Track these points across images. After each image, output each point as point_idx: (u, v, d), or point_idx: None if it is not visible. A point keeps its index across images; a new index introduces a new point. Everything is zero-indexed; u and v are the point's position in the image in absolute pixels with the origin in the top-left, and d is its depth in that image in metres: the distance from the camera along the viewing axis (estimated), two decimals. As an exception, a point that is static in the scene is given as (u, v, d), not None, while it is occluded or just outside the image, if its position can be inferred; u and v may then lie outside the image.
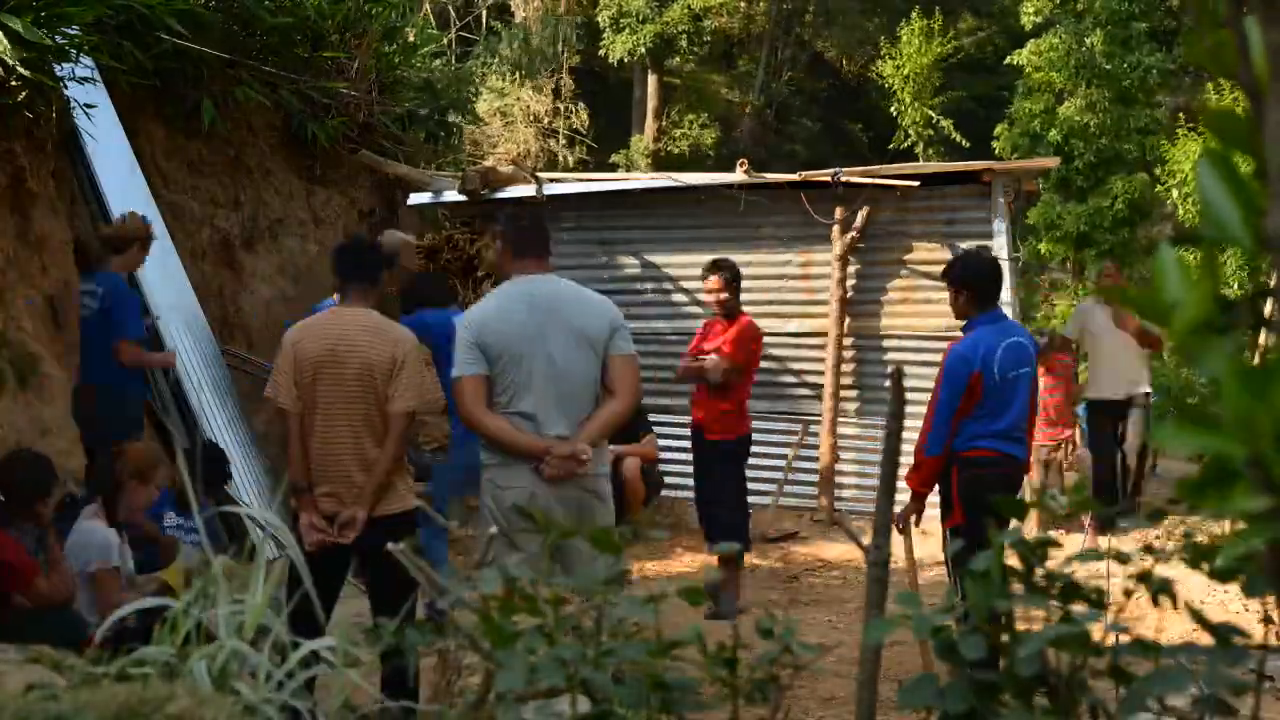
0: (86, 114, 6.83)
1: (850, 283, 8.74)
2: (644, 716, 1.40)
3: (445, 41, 16.31)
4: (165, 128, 8.41)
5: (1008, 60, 18.67)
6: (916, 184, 8.43)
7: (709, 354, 6.76)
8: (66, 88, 6.66)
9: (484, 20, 20.44)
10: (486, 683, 1.51)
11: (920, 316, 8.65)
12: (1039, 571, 1.34)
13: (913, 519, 5.21)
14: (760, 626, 1.54)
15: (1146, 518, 1.73)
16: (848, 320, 8.72)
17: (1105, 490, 8.35)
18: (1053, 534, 2.29)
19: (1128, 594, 1.42)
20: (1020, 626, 1.31)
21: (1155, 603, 1.37)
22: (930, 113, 21.41)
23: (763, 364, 8.84)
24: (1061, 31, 16.96)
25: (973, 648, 1.29)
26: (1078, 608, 1.32)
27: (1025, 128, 16.82)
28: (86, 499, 5.72)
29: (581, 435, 4.10)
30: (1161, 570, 1.38)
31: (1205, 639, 1.30)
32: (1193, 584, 5.63)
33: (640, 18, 20.98)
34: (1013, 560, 1.35)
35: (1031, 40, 17.94)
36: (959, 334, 5.29)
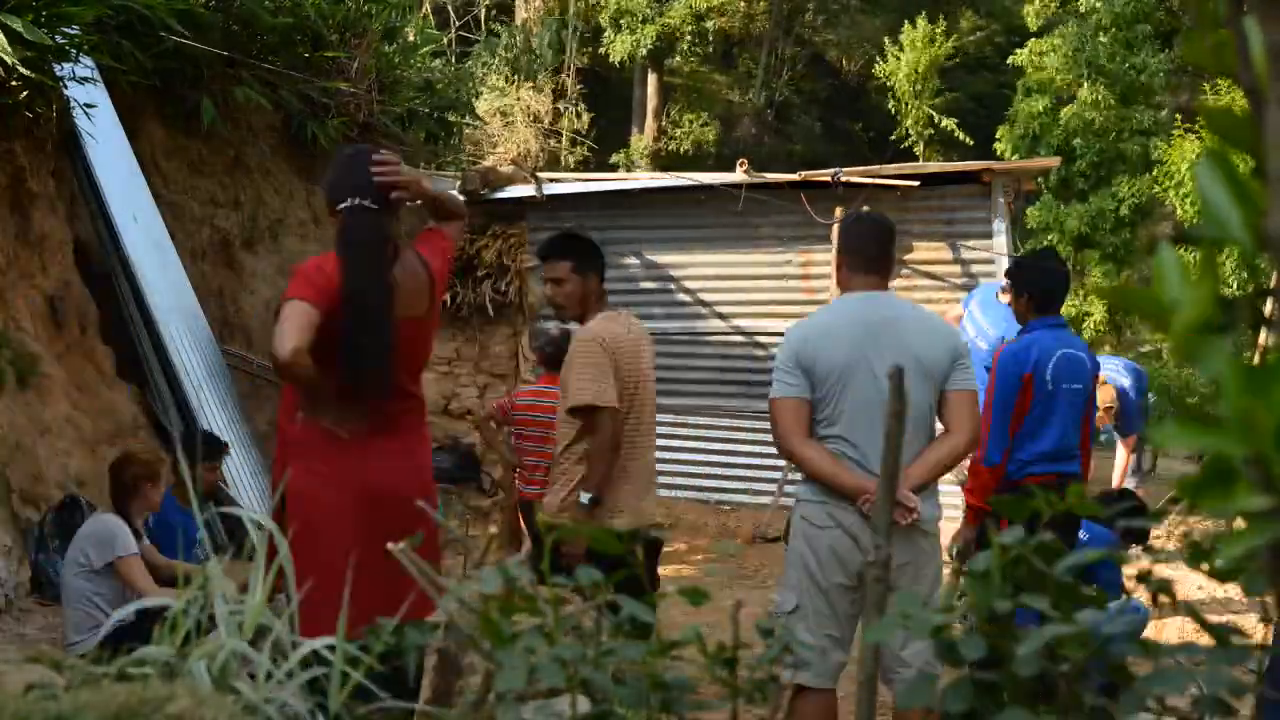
0: (86, 114, 6.83)
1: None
2: (644, 716, 1.40)
3: (445, 41, 16.30)
4: (165, 128, 8.41)
5: (1009, 60, 18.68)
6: (916, 184, 8.44)
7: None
8: (66, 88, 6.66)
9: (483, 20, 20.44)
10: (486, 683, 1.51)
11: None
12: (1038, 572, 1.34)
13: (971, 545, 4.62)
14: (760, 627, 1.54)
15: (1146, 518, 1.73)
16: (848, 320, 8.72)
17: None
18: None
19: (1127, 594, 1.42)
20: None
21: (1155, 603, 1.37)
22: (931, 112, 21.41)
23: (763, 364, 8.87)
24: (1064, 32, 16.97)
25: (973, 648, 1.29)
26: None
27: (1026, 128, 16.82)
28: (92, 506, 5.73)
29: (910, 476, 3.59)
30: (1161, 570, 1.38)
31: (1205, 639, 1.30)
32: (1189, 582, 5.60)
33: (641, 18, 20.98)
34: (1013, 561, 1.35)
35: (1033, 40, 17.94)
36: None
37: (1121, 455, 8.63)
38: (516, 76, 19.32)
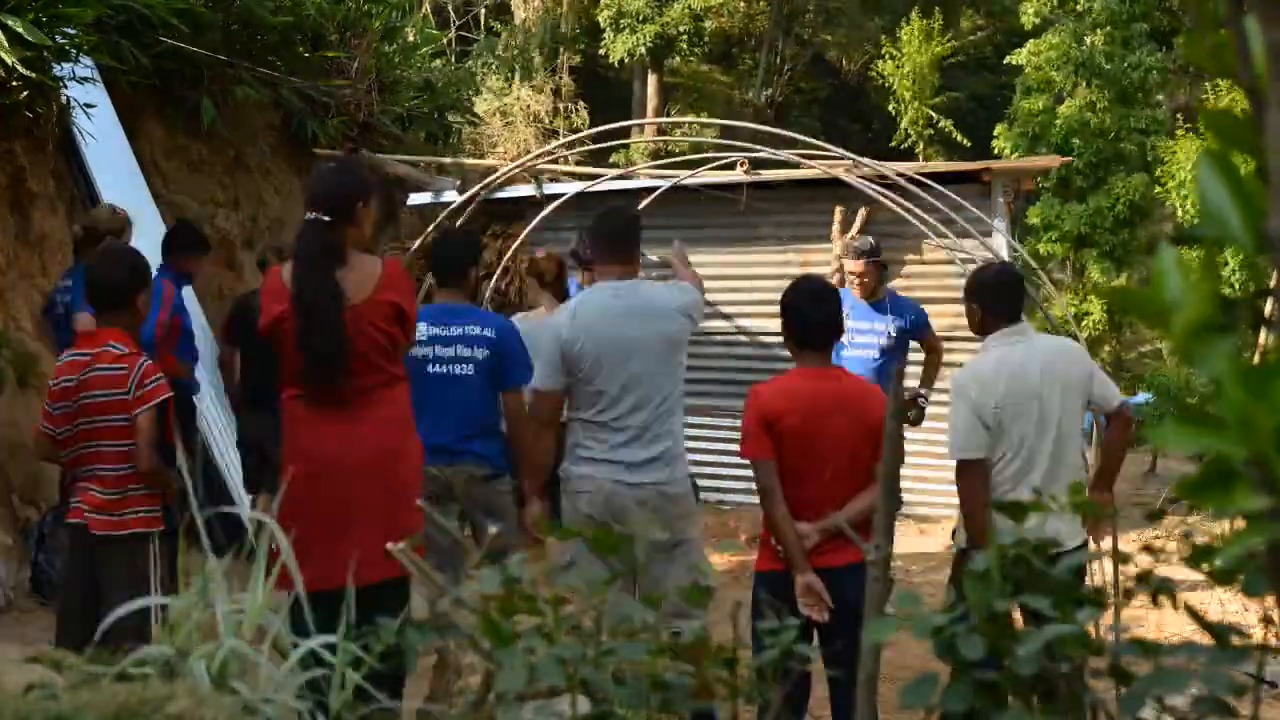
0: (86, 114, 6.83)
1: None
2: (644, 716, 1.40)
3: (445, 41, 16.31)
4: (165, 128, 8.41)
5: (1008, 59, 18.68)
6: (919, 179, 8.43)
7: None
8: (66, 88, 6.66)
9: (483, 20, 20.44)
10: (486, 683, 1.51)
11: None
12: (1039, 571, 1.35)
13: None
14: (760, 627, 1.54)
15: (1146, 518, 1.73)
16: (848, 320, 8.73)
17: None
18: None
19: (1128, 594, 1.42)
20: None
21: (1155, 603, 1.37)
22: (930, 112, 21.41)
23: (764, 365, 8.86)
24: (1061, 31, 16.97)
25: (973, 648, 1.29)
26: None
27: (1025, 127, 16.83)
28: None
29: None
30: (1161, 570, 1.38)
31: (1205, 639, 1.30)
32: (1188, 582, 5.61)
33: (640, 17, 20.98)
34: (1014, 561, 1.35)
35: (1031, 40, 17.94)
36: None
37: None
38: (515, 76, 19.34)
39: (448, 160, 9.96)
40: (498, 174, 8.04)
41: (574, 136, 11.50)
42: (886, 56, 21.80)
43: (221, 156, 8.81)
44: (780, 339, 4.13)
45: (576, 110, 20.67)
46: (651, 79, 22.57)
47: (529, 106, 19.42)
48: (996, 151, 16.61)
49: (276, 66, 8.72)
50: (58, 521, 6.07)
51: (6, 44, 5.91)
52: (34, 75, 6.12)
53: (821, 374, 3.86)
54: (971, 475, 3.96)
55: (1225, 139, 0.98)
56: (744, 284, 9.19)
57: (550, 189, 9.13)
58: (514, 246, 8.43)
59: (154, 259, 7.46)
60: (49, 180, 7.00)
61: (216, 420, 7.46)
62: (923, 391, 6.64)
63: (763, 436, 3.81)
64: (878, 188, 8.34)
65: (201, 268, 7.03)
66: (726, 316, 9.29)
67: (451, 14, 19.41)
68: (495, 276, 8.39)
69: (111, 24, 7.14)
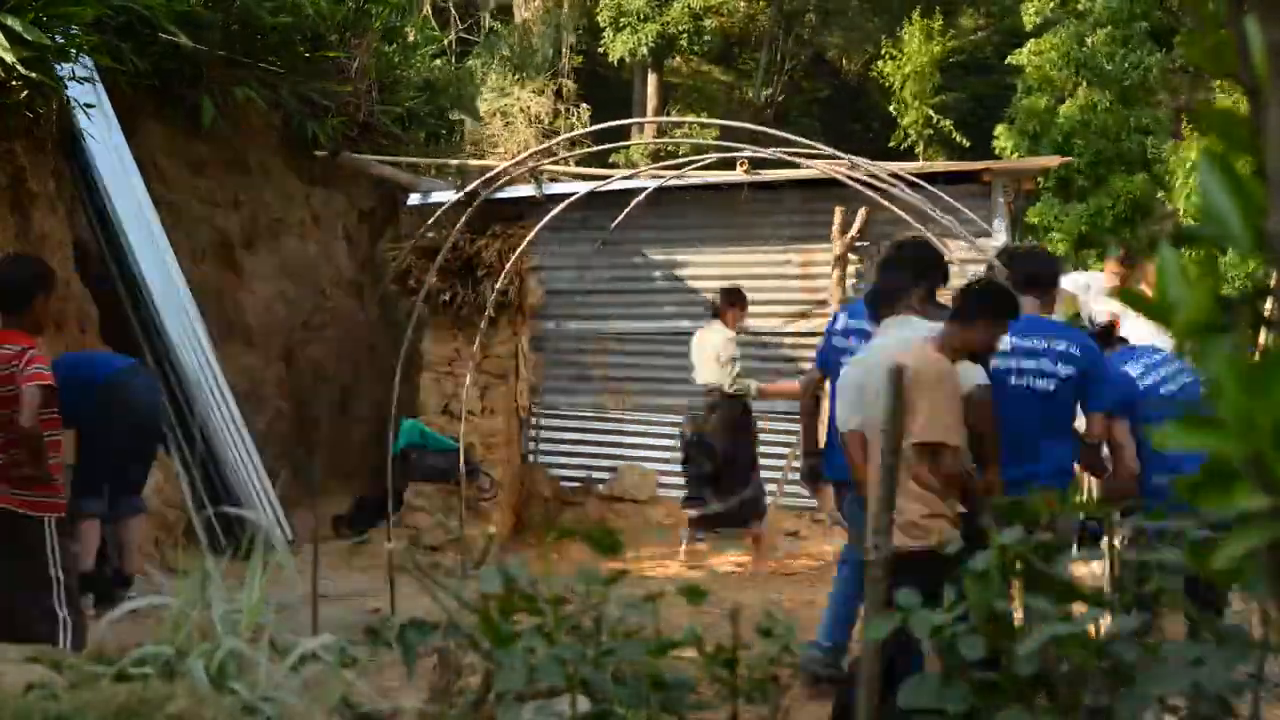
0: (86, 114, 6.84)
1: (850, 282, 8.73)
2: (644, 716, 1.40)
3: (445, 41, 16.31)
4: (165, 128, 8.41)
5: (1008, 60, 18.67)
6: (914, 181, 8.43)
7: None
8: (66, 88, 6.66)
9: (483, 20, 20.44)
10: (486, 683, 1.51)
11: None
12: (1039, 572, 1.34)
13: None
14: (760, 627, 1.54)
15: (1147, 518, 1.73)
16: (848, 320, 8.72)
17: None
18: None
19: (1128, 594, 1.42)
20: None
21: (1155, 602, 1.37)
22: (930, 112, 21.40)
23: (764, 364, 8.86)
24: (1062, 31, 16.96)
25: (973, 648, 1.29)
26: (1078, 608, 1.32)
27: (1025, 127, 16.81)
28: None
29: None
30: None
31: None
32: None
33: (640, 16, 20.97)
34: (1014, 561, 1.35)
35: (1032, 40, 17.93)
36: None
37: None
38: (515, 76, 19.33)
39: (454, 163, 9.96)
40: (492, 171, 8.03)
41: (572, 135, 11.48)
42: (887, 56, 21.79)
43: (221, 156, 8.81)
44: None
45: (577, 111, 20.66)
46: (651, 79, 22.57)
47: (529, 107, 19.40)
48: (997, 151, 16.60)
49: (276, 66, 8.71)
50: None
51: (7, 43, 5.91)
52: (34, 75, 6.12)
53: None
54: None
55: (1225, 139, 0.98)
56: (744, 284, 9.19)
57: (550, 189, 9.12)
58: (519, 248, 8.43)
59: (146, 254, 7.51)
60: (49, 180, 7.00)
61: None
62: None
63: None
64: (879, 187, 8.35)
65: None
66: (726, 316, 9.27)
67: (452, 14, 19.40)
68: (500, 277, 8.39)
69: (111, 24, 7.14)
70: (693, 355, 7.89)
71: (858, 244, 8.71)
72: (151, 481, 7.12)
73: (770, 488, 8.79)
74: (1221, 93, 15.40)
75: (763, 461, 8.54)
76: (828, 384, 5.16)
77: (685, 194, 9.16)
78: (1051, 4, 17.61)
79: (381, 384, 9.28)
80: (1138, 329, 5.46)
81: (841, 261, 8.67)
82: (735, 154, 8.29)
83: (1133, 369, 5.08)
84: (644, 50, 21.15)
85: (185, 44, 7.65)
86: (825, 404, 5.20)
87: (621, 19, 21.15)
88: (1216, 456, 0.90)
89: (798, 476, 7.93)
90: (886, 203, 6.93)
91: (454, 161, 10.05)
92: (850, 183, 7.39)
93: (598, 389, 9.52)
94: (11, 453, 4.37)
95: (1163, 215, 16.80)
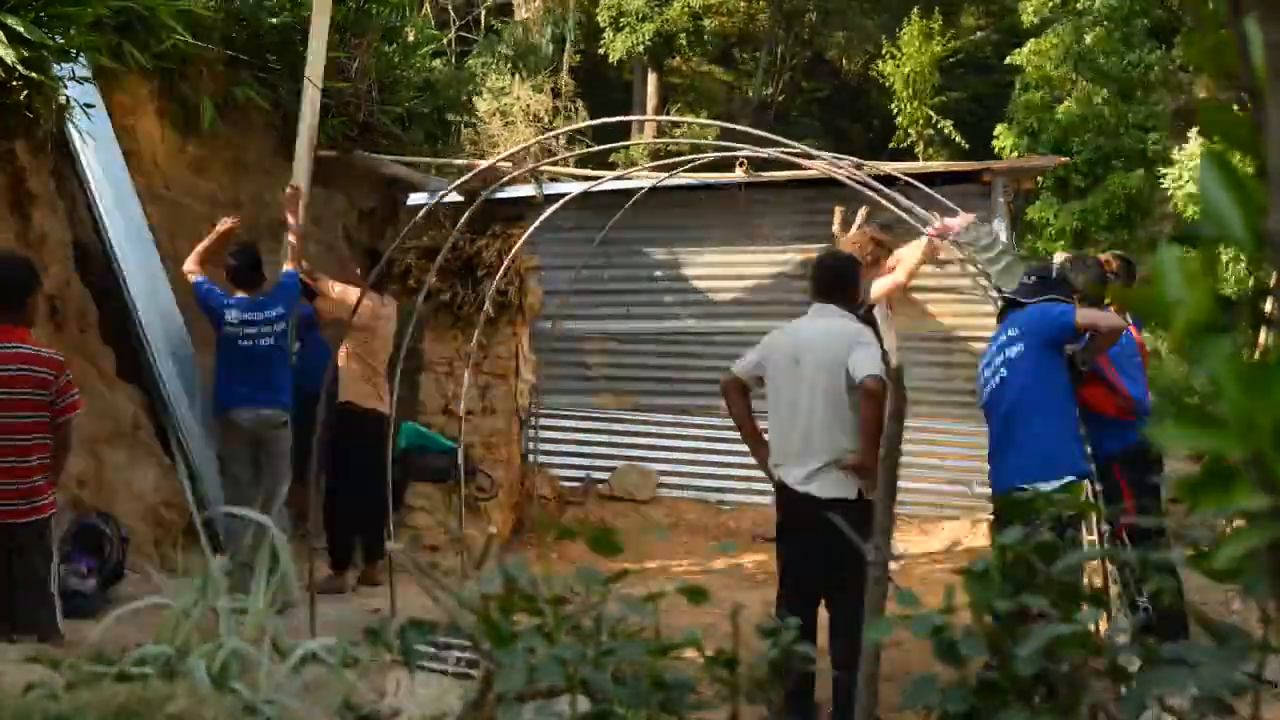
0: (86, 114, 6.83)
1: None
2: (644, 716, 1.40)
3: (445, 41, 16.30)
4: (165, 128, 8.40)
5: (1008, 59, 18.67)
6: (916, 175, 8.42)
7: None
8: (66, 88, 6.66)
9: (483, 20, 20.43)
10: (486, 682, 1.51)
11: (920, 317, 8.65)
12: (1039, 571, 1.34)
13: None
14: (760, 626, 1.54)
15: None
16: (848, 320, 8.72)
17: None
18: None
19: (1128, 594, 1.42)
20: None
21: (1156, 602, 1.37)
22: (930, 113, 21.39)
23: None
24: (1061, 30, 16.96)
25: (973, 648, 1.29)
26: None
27: (1024, 123, 16.81)
28: None
29: None
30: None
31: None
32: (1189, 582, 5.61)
33: (640, 16, 20.98)
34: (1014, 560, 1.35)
35: (1031, 39, 17.93)
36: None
37: None
38: (516, 75, 19.32)
39: (459, 162, 9.95)
40: (480, 168, 8.02)
41: (570, 129, 11.48)
42: (887, 56, 21.79)
43: (221, 156, 8.81)
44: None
45: (576, 110, 20.65)
46: (651, 78, 22.57)
47: (529, 107, 19.39)
48: (997, 151, 16.60)
49: (276, 66, 8.71)
50: (76, 539, 6.18)
51: (7, 43, 5.91)
52: (34, 75, 6.12)
53: None
54: (730, 388, 5.06)
55: (1225, 139, 0.98)
56: (744, 284, 9.20)
57: (550, 189, 9.12)
58: (515, 247, 8.42)
59: (135, 254, 7.50)
60: (49, 180, 7.00)
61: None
62: None
63: None
64: (878, 188, 8.34)
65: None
66: (726, 316, 9.29)
67: (452, 14, 19.39)
68: (497, 277, 8.39)
69: (111, 24, 7.14)
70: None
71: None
72: (151, 481, 7.13)
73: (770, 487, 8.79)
74: (1215, 92, 15.39)
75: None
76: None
77: (686, 194, 9.17)
78: (1050, 3, 17.60)
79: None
80: None
81: (841, 261, 8.66)
82: (733, 154, 8.29)
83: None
84: (643, 50, 21.16)
85: (185, 38, 7.64)
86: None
87: (621, 19, 21.15)
88: (1217, 456, 0.90)
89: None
90: (887, 203, 6.93)
91: (458, 161, 10.04)
92: (850, 183, 7.39)
93: (598, 389, 9.52)
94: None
95: (1161, 215, 16.79)
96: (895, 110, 21.78)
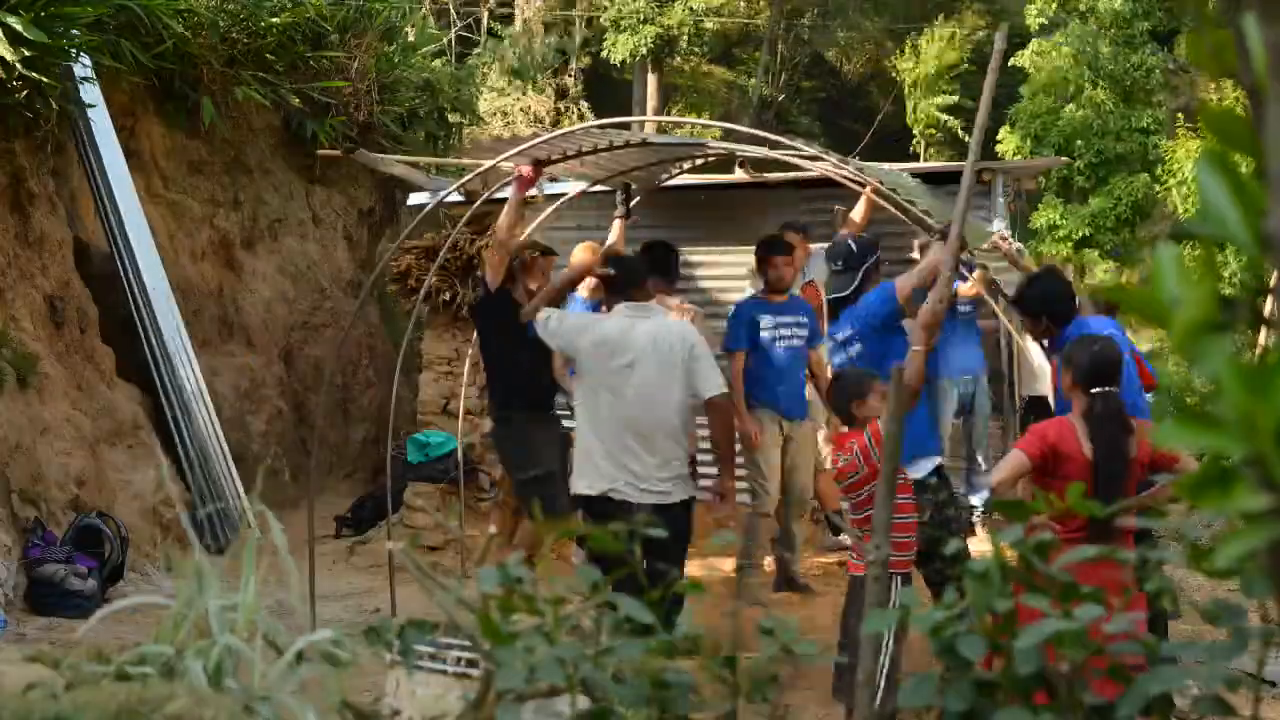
0: (86, 114, 6.84)
1: (850, 282, 8.72)
2: (644, 716, 1.40)
3: (445, 41, 16.30)
4: (165, 128, 8.41)
5: (1011, 61, 18.68)
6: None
7: None
8: (66, 88, 6.67)
9: (484, 22, 20.43)
10: (486, 682, 1.51)
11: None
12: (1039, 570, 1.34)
13: None
14: (760, 626, 1.54)
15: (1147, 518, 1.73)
16: (848, 320, 8.71)
17: None
18: None
19: (1128, 594, 1.42)
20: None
21: (1155, 602, 1.37)
22: (937, 114, 21.43)
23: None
24: (1066, 34, 16.96)
25: (973, 648, 1.29)
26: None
27: (1028, 128, 16.82)
28: None
29: None
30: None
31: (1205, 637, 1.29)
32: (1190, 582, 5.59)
33: (641, 17, 20.99)
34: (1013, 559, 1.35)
35: (1035, 41, 17.93)
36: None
37: None
38: (520, 78, 19.33)
39: (464, 162, 9.95)
40: (481, 168, 8.00)
41: (568, 129, 11.46)
42: (909, 49, 21.82)
43: (221, 156, 8.81)
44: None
45: (578, 111, 20.66)
46: (652, 79, 22.58)
47: (529, 107, 19.40)
48: (1000, 153, 16.61)
49: (276, 66, 8.71)
50: (78, 539, 6.18)
51: (7, 43, 5.91)
52: (34, 75, 6.12)
53: None
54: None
55: (1225, 139, 0.98)
56: (744, 284, 9.19)
57: (550, 189, 9.11)
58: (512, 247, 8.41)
59: (141, 253, 7.50)
60: (49, 180, 7.00)
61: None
62: None
63: None
64: (880, 188, 8.34)
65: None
66: (727, 316, 9.26)
67: (452, 14, 19.39)
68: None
69: (111, 24, 7.14)
70: None
71: (858, 244, 8.69)
72: (150, 481, 7.13)
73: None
74: (1224, 93, 15.39)
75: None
76: None
77: (685, 193, 9.16)
78: (1054, 5, 17.61)
79: (382, 384, 9.28)
80: None
81: (841, 261, 8.65)
82: (718, 153, 8.27)
83: None
84: (644, 51, 21.18)
85: (182, 34, 7.64)
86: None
87: (622, 20, 21.18)
88: (1217, 456, 0.90)
89: None
90: (887, 204, 6.93)
91: (464, 161, 10.04)
92: (849, 184, 7.39)
93: (598, 389, 9.51)
94: None
95: (1163, 215, 16.79)
96: (911, 107, 21.79)
